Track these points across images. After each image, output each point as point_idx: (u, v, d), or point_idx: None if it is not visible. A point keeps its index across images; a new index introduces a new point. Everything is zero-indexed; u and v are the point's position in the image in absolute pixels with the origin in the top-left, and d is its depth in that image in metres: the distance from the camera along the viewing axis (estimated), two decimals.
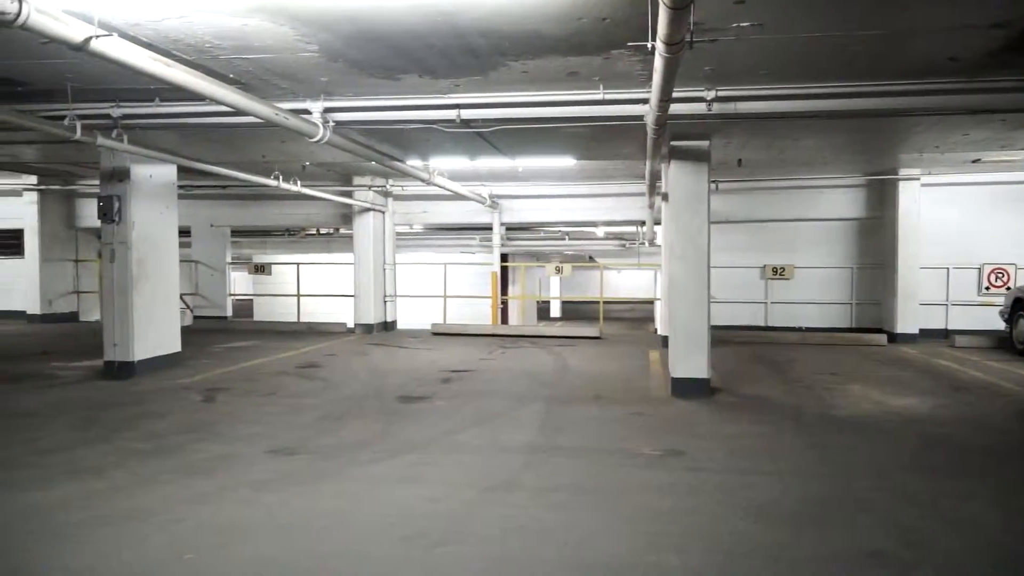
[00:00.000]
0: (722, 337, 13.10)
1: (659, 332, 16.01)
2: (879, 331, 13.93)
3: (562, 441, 6.43)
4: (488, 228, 16.76)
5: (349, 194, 14.91)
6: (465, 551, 4.01)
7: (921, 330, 13.63)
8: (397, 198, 16.10)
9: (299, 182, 12.69)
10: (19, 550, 4.01)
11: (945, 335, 13.82)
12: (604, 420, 7.23)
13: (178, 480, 5.23)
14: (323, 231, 23.94)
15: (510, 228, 18.95)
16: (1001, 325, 12.51)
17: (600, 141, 9.80)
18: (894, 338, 13.50)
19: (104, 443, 6.24)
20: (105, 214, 9.36)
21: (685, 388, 8.36)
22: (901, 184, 13.53)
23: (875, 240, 14.47)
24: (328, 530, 4.32)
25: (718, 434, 6.68)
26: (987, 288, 14.02)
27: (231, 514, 4.56)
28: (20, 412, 7.45)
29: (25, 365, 10.47)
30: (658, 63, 4.60)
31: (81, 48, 4.38)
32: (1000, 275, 13.97)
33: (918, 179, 13.50)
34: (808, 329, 14.63)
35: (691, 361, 8.42)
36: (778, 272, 14.98)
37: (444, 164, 12.14)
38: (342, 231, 21.78)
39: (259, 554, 3.96)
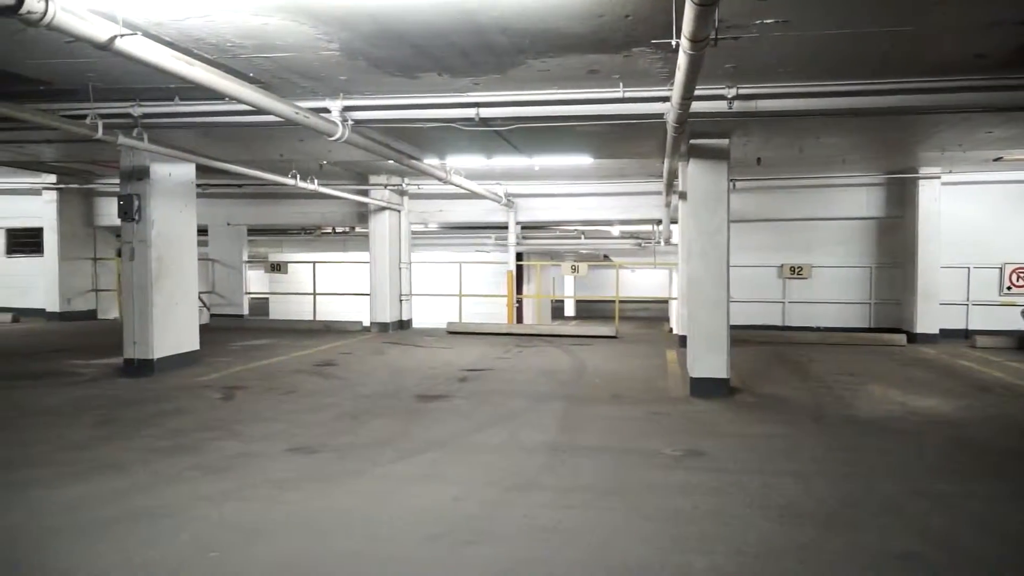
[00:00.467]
0: (739, 337, 12.99)
1: (675, 331, 15.94)
2: (898, 331, 13.80)
3: (582, 441, 6.40)
4: (504, 227, 16.74)
5: (365, 193, 14.94)
6: (490, 551, 4.00)
7: (941, 330, 13.51)
8: (413, 197, 16.11)
9: (316, 181, 12.72)
10: (45, 547, 4.03)
11: (966, 335, 13.69)
12: (623, 420, 7.20)
13: (200, 478, 5.24)
14: (339, 230, 23.99)
15: (525, 227, 18.93)
16: (1023, 325, 12.37)
17: (618, 139, 9.76)
18: (914, 338, 13.38)
19: (126, 440, 6.28)
20: (125, 212, 9.41)
21: (704, 388, 8.31)
22: (921, 182, 13.41)
23: (894, 239, 14.35)
24: (352, 529, 4.32)
25: (739, 434, 6.63)
26: (1008, 288, 13.88)
27: (254, 512, 4.57)
28: (42, 410, 7.50)
29: (46, 363, 10.55)
30: (682, 60, 4.57)
31: (106, 47, 4.40)
32: (1021, 275, 13.81)
33: (938, 177, 13.38)
34: (826, 329, 14.54)
35: (710, 361, 8.36)
36: (796, 271, 14.88)
37: (461, 163, 12.13)
38: (358, 230, 21.80)
39: (284, 552, 3.97)
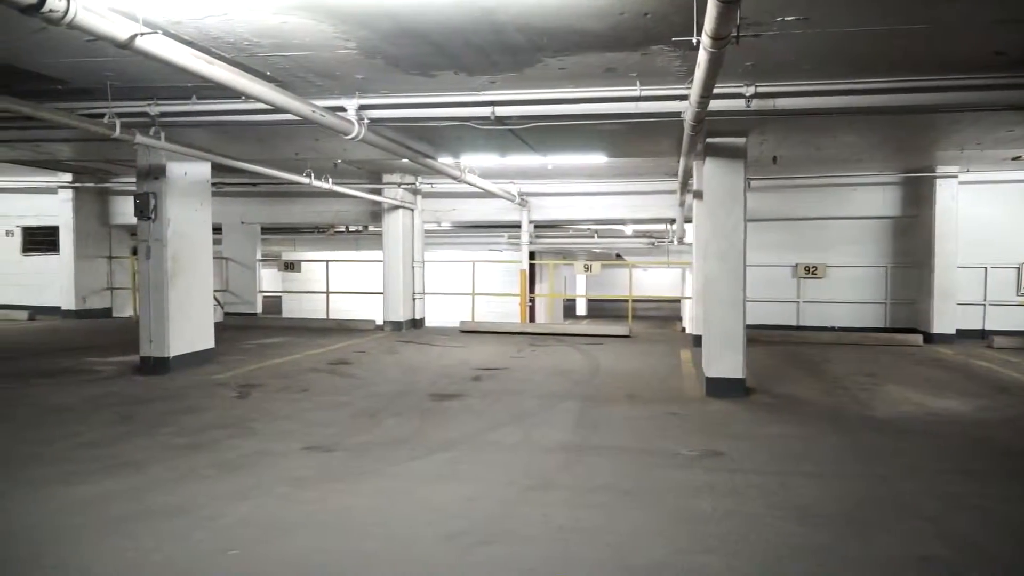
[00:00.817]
0: (754, 336, 12.93)
1: (687, 331, 15.88)
2: (914, 331, 13.69)
3: (597, 440, 6.38)
4: (516, 226, 16.70)
5: (379, 191, 14.96)
6: (507, 551, 3.98)
7: (958, 330, 13.38)
8: (426, 196, 16.11)
9: (330, 179, 12.74)
10: (64, 544, 4.04)
11: (982, 335, 13.57)
12: (639, 419, 7.17)
13: (217, 476, 5.25)
14: (352, 228, 24.04)
15: (538, 226, 18.90)
16: None
17: (634, 138, 9.72)
18: (930, 338, 13.27)
19: (143, 438, 6.30)
20: (141, 211, 9.45)
21: (720, 388, 8.27)
22: (938, 181, 13.28)
23: (911, 238, 14.23)
24: (368, 528, 4.31)
25: (756, 435, 6.59)
26: None
27: (271, 511, 4.58)
28: (60, 407, 7.54)
29: (62, 360, 10.61)
30: (702, 58, 4.53)
31: (126, 46, 4.41)
32: None
33: (956, 176, 13.24)
34: (841, 329, 14.44)
35: (726, 360, 8.32)
36: (810, 271, 14.78)
37: (475, 161, 12.12)
38: (371, 228, 21.84)
39: (301, 551, 3.96)
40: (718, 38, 3.96)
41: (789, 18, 5.04)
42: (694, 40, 4.45)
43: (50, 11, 3.80)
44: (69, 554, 3.91)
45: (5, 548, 4.01)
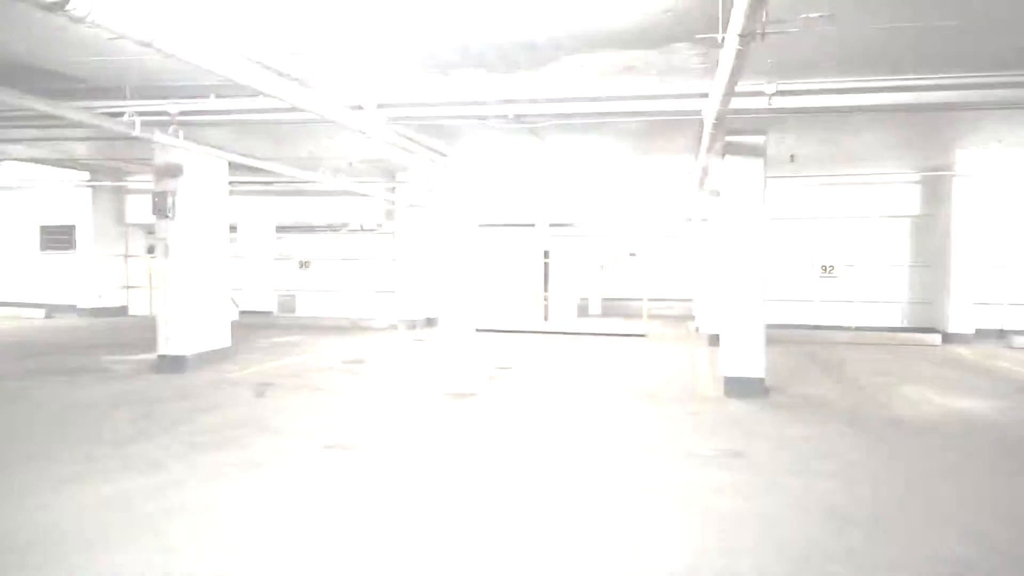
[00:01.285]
0: (770, 336, 12.79)
1: (701, 330, 15.81)
2: (932, 331, 13.57)
3: (617, 439, 6.35)
4: (531, 224, 16.66)
5: (393, 190, 14.95)
6: (533, 550, 3.96)
7: (976, 330, 13.25)
8: (440, 194, 16.07)
9: (346, 178, 12.74)
10: (91, 544, 4.05)
11: (1000, 335, 13.43)
12: (658, 419, 7.13)
13: (238, 474, 5.25)
14: (366, 227, 24.01)
15: (553, 224, 18.83)
16: None
17: (651, 136, 9.68)
18: (948, 338, 13.15)
19: (163, 436, 6.31)
20: (159, 209, 9.48)
21: (739, 387, 8.22)
22: (957, 180, 13.16)
23: (928, 237, 14.12)
24: (395, 529, 4.30)
25: (776, 435, 6.54)
26: None
27: (296, 510, 4.57)
28: (80, 405, 7.57)
29: (80, 358, 10.65)
30: (726, 56, 4.49)
31: (148, 44, 4.41)
32: None
33: (974, 175, 13.10)
34: (858, 328, 14.33)
35: (745, 360, 8.27)
36: (827, 270, 14.68)
37: (491, 160, 12.08)
38: (385, 227, 21.81)
39: (327, 551, 3.96)
40: (744, 35, 3.92)
41: (812, 15, 4.98)
42: (719, 37, 4.41)
43: (74, 8, 3.80)
44: (94, 554, 3.91)
45: (30, 547, 4.02)
